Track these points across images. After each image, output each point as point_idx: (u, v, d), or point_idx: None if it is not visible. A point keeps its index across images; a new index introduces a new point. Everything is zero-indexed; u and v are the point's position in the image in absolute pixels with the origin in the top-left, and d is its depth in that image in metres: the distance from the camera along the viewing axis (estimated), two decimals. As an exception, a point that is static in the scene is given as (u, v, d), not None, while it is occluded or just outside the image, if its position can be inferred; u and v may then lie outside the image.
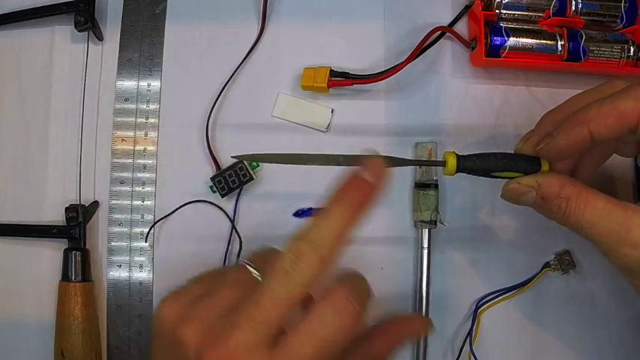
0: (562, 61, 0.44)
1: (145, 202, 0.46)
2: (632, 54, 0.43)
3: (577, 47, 0.43)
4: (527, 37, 0.43)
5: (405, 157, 0.37)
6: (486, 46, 0.43)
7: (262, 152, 0.36)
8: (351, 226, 0.29)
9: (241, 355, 0.25)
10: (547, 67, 0.45)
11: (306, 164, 0.35)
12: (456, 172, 0.36)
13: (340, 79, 0.45)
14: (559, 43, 0.43)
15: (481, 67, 0.46)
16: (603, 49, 0.43)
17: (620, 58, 0.43)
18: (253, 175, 0.45)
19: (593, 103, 0.32)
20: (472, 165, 0.36)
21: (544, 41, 0.43)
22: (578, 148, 0.33)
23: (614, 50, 0.43)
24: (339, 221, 0.28)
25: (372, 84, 0.45)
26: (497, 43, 0.43)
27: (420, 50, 0.44)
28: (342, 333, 0.28)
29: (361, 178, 0.29)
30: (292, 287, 0.27)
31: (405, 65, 0.43)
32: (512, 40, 0.43)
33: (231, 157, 0.39)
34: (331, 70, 0.45)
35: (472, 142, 0.46)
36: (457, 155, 0.36)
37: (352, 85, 0.45)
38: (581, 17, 0.44)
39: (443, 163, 0.37)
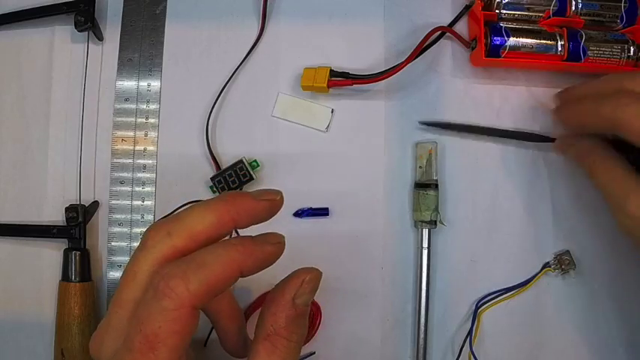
0: (562, 61, 0.44)
1: (145, 202, 0.46)
2: (632, 54, 0.43)
3: (577, 47, 0.43)
4: (527, 37, 0.43)
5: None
6: (486, 46, 0.43)
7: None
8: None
9: None
10: (547, 67, 0.45)
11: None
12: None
13: (340, 79, 0.45)
14: (559, 43, 0.43)
15: (481, 67, 0.46)
16: (603, 49, 0.43)
17: (620, 58, 0.43)
18: (253, 175, 0.45)
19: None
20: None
21: (544, 41, 0.43)
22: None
23: (614, 50, 0.43)
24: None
25: (372, 84, 0.45)
26: (497, 43, 0.43)
27: (420, 50, 0.44)
28: None
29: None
30: None
31: (405, 65, 0.43)
32: (512, 40, 0.43)
33: (419, 122, 0.45)
34: (331, 70, 0.45)
35: (472, 142, 0.46)
36: None
37: (352, 85, 0.45)
38: (581, 17, 0.44)
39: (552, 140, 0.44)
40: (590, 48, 0.43)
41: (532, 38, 0.43)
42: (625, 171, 0.37)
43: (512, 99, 0.47)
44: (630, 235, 0.37)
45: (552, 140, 0.44)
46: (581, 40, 0.43)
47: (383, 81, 0.44)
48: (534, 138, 0.45)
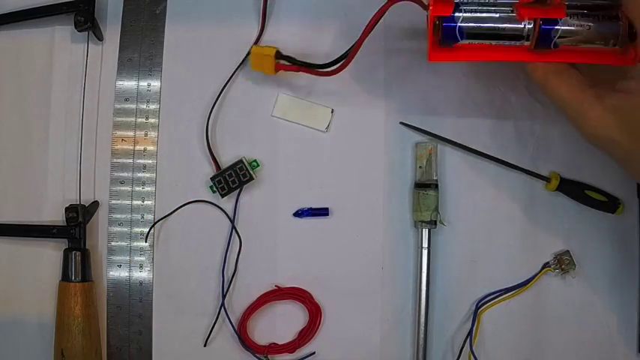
0: (528, 51, 0.36)
1: (145, 202, 0.46)
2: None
3: (547, 36, 0.35)
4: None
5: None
6: (438, 35, 0.36)
7: None
8: None
9: None
10: (512, 56, 0.37)
11: None
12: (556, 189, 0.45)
13: (286, 64, 0.43)
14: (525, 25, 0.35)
15: (438, 61, 0.39)
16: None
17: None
18: (253, 175, 0.45)
19: None
20: (568, 187, 0.45)
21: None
22: None
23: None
24: None
25: (319, 74, 0.42)
26: (450, 32, 0.36)
27: (371, 28, 0.39)
28: None
29: None
30: None
31: (354, 55, 0.40)
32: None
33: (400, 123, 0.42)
34: (277, 52, 0.43)
35: (472, 142, 0.46)
36: (560, 177, 0.45)
37: (298, 71, 0.43)
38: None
39: (548, 180, 0.45)
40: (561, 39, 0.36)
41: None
42: (581, 84, 0.36)
43: (512, 99, 0.47)
44: (594, 145, 0.37)
45: (545, 178, 0.45)
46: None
47: (383, 83, 0.44)
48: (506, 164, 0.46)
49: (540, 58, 0.37)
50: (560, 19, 0.35)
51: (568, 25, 0.35)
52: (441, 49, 0.37)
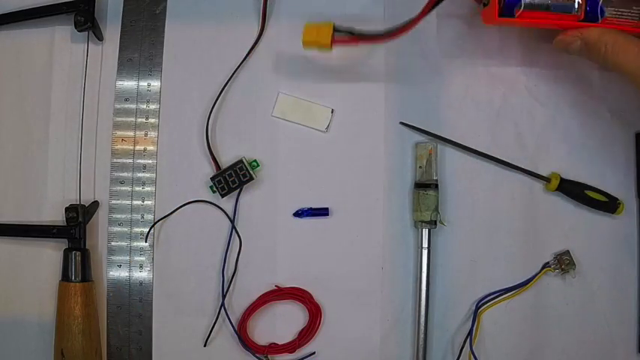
0: (578, 22, 0.40)
1: (145, 202, 0.46)
2: None
3: (595, 7, 0.40)
4: None
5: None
6: (500, 3, 0.40)
7: None
8: None
9: None
10: (563, 25, 0.41)
11: None
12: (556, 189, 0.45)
13: (345, 37, 0.41)
14: (576, 1, 0.40)
15: (493, 25, 0.42)
16: (622, 10, 0.40)
17: None
18: (253, 175, 0.45)
19: None
20: (569, 187, 0.45)
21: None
22: None
23: (633, 11, 0.41)
24: None
25: (379, 41, 0.42)
26: (512, 0, 0.40)
27: (432, 5, 0.40)
28: None
29: None
30: None
31: (416, 23, 0.40)
32: None
33: (400, 122, 0.43)
34: (335, 26, 0.41)
35: (472, 142, 0.46)
36: (560, 177, 0.45)
37: (358, 44, 0.41)
38: None
39: (548, 180, 0.45)
40: (608, 8, 0.40)
41: None
42: None
43: (512, 99, 0.47)
44: None
45: (545, 179, 0.45)
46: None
47: (384, 83, 0.44)
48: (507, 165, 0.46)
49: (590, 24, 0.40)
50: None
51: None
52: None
